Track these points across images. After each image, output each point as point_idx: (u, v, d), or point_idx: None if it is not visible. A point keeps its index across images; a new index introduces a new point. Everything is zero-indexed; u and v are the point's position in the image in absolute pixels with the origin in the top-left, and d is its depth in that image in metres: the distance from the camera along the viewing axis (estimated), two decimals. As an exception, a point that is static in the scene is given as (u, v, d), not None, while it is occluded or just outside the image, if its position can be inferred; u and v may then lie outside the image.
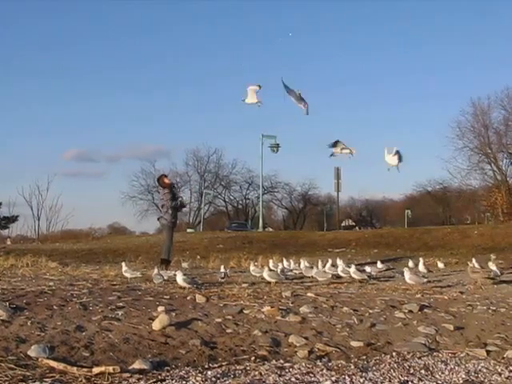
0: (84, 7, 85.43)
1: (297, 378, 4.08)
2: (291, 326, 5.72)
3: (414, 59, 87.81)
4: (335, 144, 12.05)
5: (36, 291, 7.22)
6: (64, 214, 51.90)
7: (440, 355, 4.91)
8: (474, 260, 11.63)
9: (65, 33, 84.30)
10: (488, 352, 4.99)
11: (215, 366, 4.38)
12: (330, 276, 9.82)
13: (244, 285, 8.65)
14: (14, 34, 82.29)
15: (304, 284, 9.27)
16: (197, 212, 64.33)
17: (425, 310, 6.64)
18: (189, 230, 43.94)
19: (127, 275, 9.24)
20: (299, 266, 11.08)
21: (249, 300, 6.98)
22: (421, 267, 11.13)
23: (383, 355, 4.88)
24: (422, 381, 4.13)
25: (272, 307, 6.36)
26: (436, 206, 63.09)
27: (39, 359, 4.27)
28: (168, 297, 7.15)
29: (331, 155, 12.01)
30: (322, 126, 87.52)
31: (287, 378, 4.07)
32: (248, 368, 4.32)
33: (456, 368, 4.47)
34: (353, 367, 4.42)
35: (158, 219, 12.62)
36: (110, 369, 4.05)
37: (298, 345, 5.09)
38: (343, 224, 65.44)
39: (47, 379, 3.90)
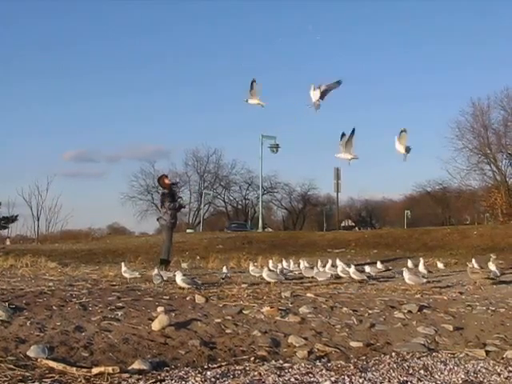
0: (84, 7, 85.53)
1: (296, 379, 4.08)
2: (291, 326, 5.73)
3: (413, 59, 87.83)
4: (348, 136, 11.82)
5: (35, 291, 7.22)
6: (63, 215, 51.76)
7: (439, 355, 4.91)
8: (473, 260, 11.63)
9: (65, 33, 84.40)
10: (487, 352, 4.99)
11: (214, 366, 4.38)
12: (330, 276, 9.82)
13: (243, 285, 8.65)
14: (13, 34, 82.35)
15: (303, 284, 9.27)
16: (196, 212, 64.36)
17: (424, 311, 6.64)
18: (188, 231, 43.93)
19: (126, 275, 9.23)
20: (298, 266, 11.09)
21: (248, 300, 6.98)
22: (421, 268, 11.13)
23: (382, 355, 4.88)
24: (421, 381, 4.13)
25: (271, 307, 6.36)
26: (435, 207, 63.09)
27: (38, 359, 4.27)
28: (167, 297, 7.15)
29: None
30: (322, 126, 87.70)
31: (286, 379, 4.07)
32: (247, 368, 4.32)
33: (455, 368, 4.47)
34: (352, 367, 4.42)
35: (158, 219, 12.62)
36: (110, 369, 4.05)
37: (297, 345, 5.10)
38: (343, 224, 65.44)
39: (46, 379, 3.90)
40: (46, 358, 4.29)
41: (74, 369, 4.09)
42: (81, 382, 3.91)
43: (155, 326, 5.29)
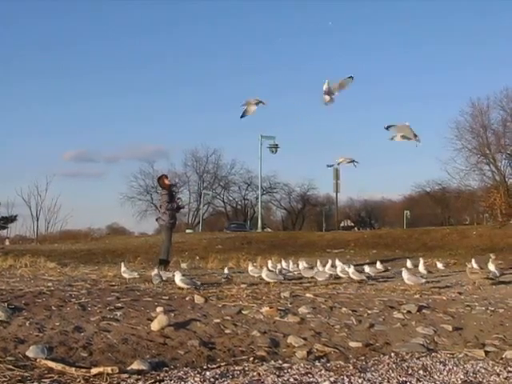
0: (84, 7, 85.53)
1: (295, 379, 4.08)
2: (290, 326, 5.72)
3: (413, 59, 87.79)
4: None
5: (34, 292, 7.21)
6: (63, 215, 51.72)
7: (438, 356, 4.91)
8: (473, 261, 11.64)
9: (65, 33, 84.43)
10: (486, 352, 4.99)
11: (214, 366, 4.38)
12: (328, 276, 9.83)
13: (243, 285, 8.64)
14: (13, 34, 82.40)
15: (303, 285, 9.27)
16: (196, 212, 64.37)
17: (423, 311, 6.64)
18: (188, 231, 43.96)
19: (125, 276, 9.23)
20: (298, 267, 11.09)
21: (247, 300, 6.98)
22: (421, 268, 11.14)
23: (382, 356, 4.88)
24: (420, 381, 4.13)
25: (271, 308, 6.36)
26: (435, 207, 63.11)
27: (37, 360, 4.27)
28: (167, 297, 7.15)
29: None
30: (322, 126, 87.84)
31: (286, 379, 4.07)
32: (247, 368, 4.32)
33: (454, 368, 4.47)
34: (351, 368, 4.42)
35: (157, 220, 12.63)
36: (109, 369, 4.05)
37: (296, 345, 5.09)
38: (342, 224, 65.48)
39: (45, 380, 3.90)
40: (45, 359, 4.28)
41: (73, 369, 4.09)
42: (80, 382, 3.91)
43: (154, 326, 5.29)
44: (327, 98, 10.90)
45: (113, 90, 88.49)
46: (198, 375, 4.09)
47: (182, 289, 7.86)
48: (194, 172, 65.94)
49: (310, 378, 4.12)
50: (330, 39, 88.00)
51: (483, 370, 4.44)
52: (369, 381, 4.10)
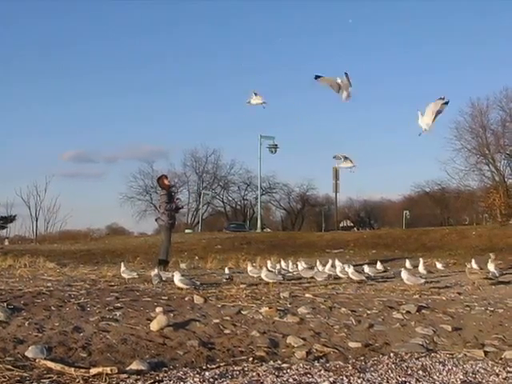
0: (84, 7, 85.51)
1: (295, 379, 4.08)
2: (289, 326, 5.72)
3: (413, 59, 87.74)
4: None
5: (34, 292, 7.21)
6: (62, 215, 51.73)
7: (438, 356, 4.91)
8: (473, 261, 11.65)
9: (65, 33, 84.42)
10: (486, 353, 4.99)
11: (213, 366, 4.38)
12: (327, 276, 9.84)
13: (242, 285, 8.64)
14: (13, 34, 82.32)
15: (302, 285, 9.27)
16: (195, 213, 64.40)
17: (423, 311, 6.64)
18: (187, 231, 43.95)
19: (125, 276, 9.23)
20: (297, 267, 11.08)
21: (247, 301, 6.98)
22: (421, 268, 11.15)
23: (381, 356, 4.88)
24: (419, 382, 4.13)
25: (270, 308, 6.36)
26: (434, 207, 63.11)
27: (37, 360, 4.27)
28: (166, 297, 7.14)
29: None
30: (321, 126, 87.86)
31: (285, 379, 4.07)
32: (246, 369, 4.32)
33: (454, 369, 4.47)
34: (351, 368, 4.42)
35: (156, 220, 12.64)
36: (108, 370, 4.05)
37: (295, 346, 5.09)
38: (341, 225, 65.50)
39: (45, 380, 3.90)
40: (45, 359, 4.28)
41: (73, 369, 4.09)
42: (79, 382, 3.91)
43: (154, 326, 5.28)
44: (345, 94, 10.98)
45: (112, 90, 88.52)
46: (197, 375, 4.09)
47: (182, 289, 7.86)
48: (194, 172, 66.04)
49: (309, 378, 4.12)
50: (330, 39, 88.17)
51: (482, 371, 4.44)
52: (368, 381, 4.09)
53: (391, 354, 4.94)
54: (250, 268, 10.24)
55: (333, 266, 10.57)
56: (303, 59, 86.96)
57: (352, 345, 5.18)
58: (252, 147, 57.31)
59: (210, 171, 66.36)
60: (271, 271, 9.77)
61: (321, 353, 4.92)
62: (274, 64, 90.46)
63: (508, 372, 4.39)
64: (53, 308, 6.07)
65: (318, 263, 11.26)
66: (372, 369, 4.42)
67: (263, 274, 9.13)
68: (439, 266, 12.89)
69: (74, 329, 5.18)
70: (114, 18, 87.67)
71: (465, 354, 4.95)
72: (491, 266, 10.46)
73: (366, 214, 76.55)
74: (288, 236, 28.46)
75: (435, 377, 4.25)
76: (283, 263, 11.70)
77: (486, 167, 47.49)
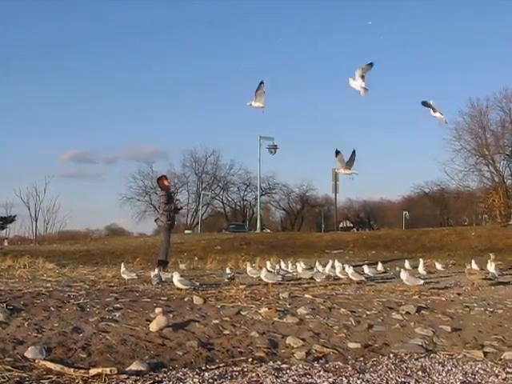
0: (84, 7, 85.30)
1: (294, 380, 4.08)
2: (289, 327, 5.72)
3: (414, 59, 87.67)
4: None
5: (33, 292, 7.21)
6: (62, 215, 51.69)
7: (437, 357, 4.91)
8: (473, 262, 11.65)
9: (65, 33, 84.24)
10: (485, 353, 5.00)
11: (212, 367, 4.38)
12: (325, 277, 9.85)
13: (242, 286, 8.64)
14: (13, 34, 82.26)
15: (301, 285, 9.26)
16: (194, 213, 64.34)
17: (422, 312, 6.64)
18: (186, 232, 43.93)
19: (125, 276, 9.23)
20: (296, 268, 11.08)
21: (246, 301, 6.98)
22: (420, 269, 11.15)
23: (380, 357, 4.88)
24: (419, 382, 4.13)
25: (269, 308, 6.36)
26: (434, 208, 63.09)
27: (36, 360, 4.27)
28: (165, 298, 7.14)
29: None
30: (321, 126, 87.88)
31: (284, 380, 4.07)
32: (245, 369, 4.32)
33: (453, 369, 4.47)
34: (350, 369, 4.42)
35: (155, 221, 12.64)
36: (107, 370, 4.05)
37: (295, 346, 5.09)
38: (341, 225, 65.50)
39: (44, 381, 3.90)
40: (44, 359, 4.28)
41: (72, 370, 4.09)
42: (78, 383, 3.91)
43: (153, 327, 5.28)
44: (362, 91, 11.03)
45: (112, 90, 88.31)
46: (196, 376, 4.09)
47: (181, 290, 7.86)
48: (193, 173, 65.95)
49: (308, 378, 4.12)
50: (330, 39, 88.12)
51: (482, 371, 4.44)
52: (367, 382, 4.10)
53: (391, 355, 4.94)
54: (249, 268, 10.24)
55: (333, 266, 10.57)
56: (303, 59, 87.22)
57: (351, 345, 5.18)
58: (251, 148, 57.26)
59: (210, 172, 66.36)
60: (271, 272, 9.76)
61: (320, 353, 4.92)
62: (274, 64, 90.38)
63: (507, 373, 4.39)
64: (52, 308, 6.07)
65: (317, 264, 11.26)
66: (371, 369, 4.42)
67: (263, 275, 9.13)
68: (439, 266, 12.88)
69: (73, 329, 5.18)
70: (114, 18, 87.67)
71: (464, 355, 4.95)
72: (491, 267, 10.45)
73: (365, 215, 76.55)
74: (287, 237, 28.46)
75: (435, 377, 4.25)
76: (283, 264, 11.69)
77: (486, 168, 47.46)
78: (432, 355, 4.96)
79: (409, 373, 4.36)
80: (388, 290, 8.69)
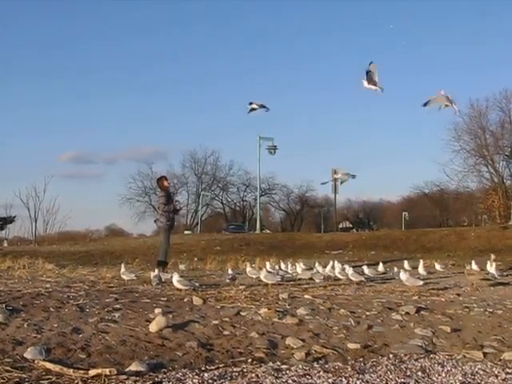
0: (84, 7, 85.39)
1: (294, 380, 4.08)
2: (288, 328, 5.72)
3: (414, 59, 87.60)
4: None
5: (33, 293, 7.21)
6: (61, 216, 51.76)
7: (437, 357, 4.91)
8: (473, 262, 11.64)
9: (65, 33, 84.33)
10: (485, 354, 4.99)
11: (212, 368, 4.38)
12: (323, 277, 9.86)
13: (241, 287, 8.64)
14: (13, 34, 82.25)
15: (301, 286, 9.26)
16: (194, 214, 64.34)
17: (422, 312, 6.64)
18: (186, 232, 43.94)
19: (124, 277, 9.23)
20: (296, 269, 11.08)
21: (246, 302, 6.98)
22: (420, 269, 11.16)
23: (380, 357, 4.88)
24: (418, 383, 4.13)
25: (269, 309, 6.36)
26: (433, 208, 63.10)
27: (35, 361, 4.27)
28: (165, 299, 7.14)
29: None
30: (320, 127, 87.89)
31: (284, 380, 4.07)
32: (245, 370, 4.32)
33: (453, 370, 4.47)
34: (350, 369, 4.42)
35: (155, 221, 12.63)
36: (107, 371, 4.04)
37: (294, 347, 5.09)
38: (340, 226, 65.48)
39: (43, 381, 3.89)
40: (43, 360, 4.28)
41: (71, 370, 4.08)
42: (78, 383, 3.91)
43: (153, 327, 5.28)
44: (373, 87, 11.05)
45: (112, 90, 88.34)
46: (196, 377, 4.08)
47: (181, 290, 7.86)
48: (193, 173, 65.98)
49: (308, 379, 4.12)
50: (330, 39, 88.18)
51: (481, 372, 4.44)
52: (367, 382, 4.10)
53: (390, 356, 4.94)
54: (248, 269, 10.24)
55: (333, 267, 10.57)
56: (303, 59, 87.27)
57: (351, 346, 5.18)
58: (251, 148, 57.21)
59: (209, 172, 66.39)
60: (270, 272, 9.76)
61: (320, 354, 4.92)
62: (274, 64, 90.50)
63: (507, 373, 4.39)
64: (52, 309, 6.07)
65: (316, 264, 11.26)
66: (371, 370, 4.42)
67: (262, 275, 9.13)
68: (438, 267, 12.89)
69: (72, 330, 5.18)
70: (114, 18, 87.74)
71: (464, 356, 4.95)
72: (492, 268, 10.44)
73: (364, 215, 76.57)
74: (287, 237, 28.45)
75: (434, 378, 4.25)
76: (282, 264, 11.69)
77: (485, 168, 47.54)
78: (431, 356, 4.95)
79: (408, 373, 4.36)
80: (387, 291, 8.69)
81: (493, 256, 14.31)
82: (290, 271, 10.99)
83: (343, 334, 5.59)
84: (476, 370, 4.50)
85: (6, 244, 34.78)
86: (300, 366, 4.47)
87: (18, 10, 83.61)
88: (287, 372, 4.30)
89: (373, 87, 11.49)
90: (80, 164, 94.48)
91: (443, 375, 4.32)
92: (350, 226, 69.75)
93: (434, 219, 61.29)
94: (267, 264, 11.42)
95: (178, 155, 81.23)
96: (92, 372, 4.05)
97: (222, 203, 68.25)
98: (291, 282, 9.74)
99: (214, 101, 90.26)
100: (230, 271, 10.11)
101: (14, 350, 4.55)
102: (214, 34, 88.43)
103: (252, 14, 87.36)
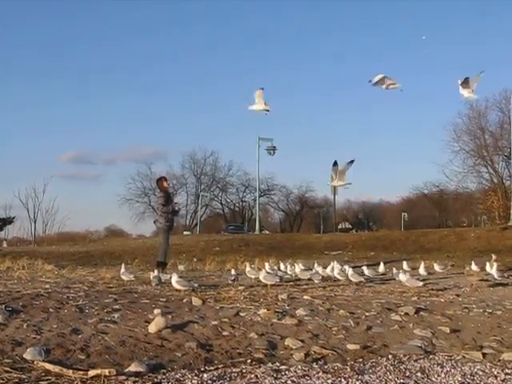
0: (84, 7, 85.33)
1: (293, 381, 4.08)
2: (287, 328, 5.72)
3: (413, 59, 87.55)
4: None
5: (32, 294, 7.21)
6: (61, 217, 51.78)
7: (436, 358, 4.91)
8: (473, 263, 11.64)
9: (65, 33, 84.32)
10: (484, 355, 4.99)
11: (211, 368, 4.38)
12: (321, 277, 9.88)
13: (240, 287, 8.64)
14: (13, 34, 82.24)
15: (300, 287, 9.27)
16: (193, 214, 64.36)
17: (421, 313, 6.65)
18: (185, 233, 43.95)
19: (124, 277, 9.23)
20: (295, 270, 11.08)
21: (245, 302, 6.98)
22: (421, 270, 11.17)
23: (379, 358, 4.87)
24: (418, 383, 4.13)
25: (268, 310, 6.36)
26: (432, 209, 63.12)
27: (35, 362, 4.26)
28: (164, 299, 7.15)
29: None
30: (320, 127, 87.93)
31: (283, 381, 4.07)
32: (244, 371, 4.32)
33: (452, 371, 4.47)
34: (349, 370, 4.42)
35: (154, 222, 12.63)
36: (106, 371, 4.04)
37: (294, 347, 5.09)
38: (340, 226, 65.46)
39: (43, 382, 3.89)
40: (43, 361, 4.28)
41: (71, 371, 4.08)
42: (77, 384, 3.91)
43: (152, 328, 5.28)
44: (399, 85, 11.10)
45: (112, 90, 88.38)
46: (195, 377, 4.08)
47: (180, 291, 7.86)
48: (192, 174, 65.98)
49: (307, 380, 4.12)
50: (330, 39, 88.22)
51: (481, 372, 4.44)
52: (366, 383, 4.10)
53: (389, 356, 4.93)
54: (248, 269, 10.25)
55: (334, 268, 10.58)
56: (303, 59, 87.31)
57: (350, 347, 5.18)
58: (250, 149, 57.29)
59: (209, 173, 66.40)
60: (270, 273, 9.76)
61: (319, 355, 4.92)
62: (274, 64, 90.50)
63: (506, 374, 4.39)
64: (51, 310, 6.07)
65: (316, 265, 11.26)
66: (370, 371, 4.42)
67: (261, 276, 9.13)
68: (437, 268, 12.88)
69: (72, 331, 5.18)
70: (114, 18, 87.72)
71: (463, 356, 4.95)
72: (493, 268, 10.42)
73: (364, 216, 76.61)
74: (286, 238, 28.45)
75: (433, 379, 4.25)
76: (282, 265, 11.69)
77: (485, 169, 47.59)
78: (431, 356, 4.95)
79: (408, 374, 4.36)
80: (387, 292, 8.70)
81: (494, 257, 14.32)
82: (289, 272, 10.99)
83: (342, 334, 5.59)
84: (475, 370, 4.50)
85: (5, 245, 34.75)
86: (299, 367, 4.47)
87: (18, 10, 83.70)
88: (286, 373, 4.29)
89: (391, 85, 11.57)
90: (79, 164, 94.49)
91: (442, 376, 4.32)
92: (350, 226, 69.75)
93: (434, 220, 61.32)
94: (266, 265, 11.42)
95: (177, 156, 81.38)
96: (91, 373, 4.05)
97: (221, 204, 68.32)
98: (290, 283, 9.74)
99: (213, 101, 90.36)
100: (232, 272, 10.12)
101: (13, 350, 4.55)
102: (214, 34, 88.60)
103: (252, 13, 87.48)
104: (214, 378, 4.07)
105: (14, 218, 46.79)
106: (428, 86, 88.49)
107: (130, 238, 49.08)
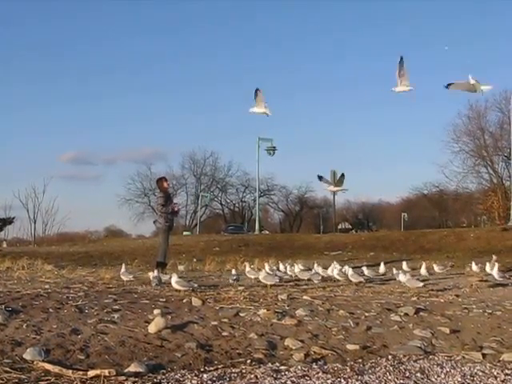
0: (84, 7, 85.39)
1: (292, 381, 4.08)
2: (287, 328, 5.72)
3: (413, 59, 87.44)
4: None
5: (32, 294, 7.21)
6: (60, 217, 51.72)
7: (436, 358, 4.91)
8: (473, 263, 11.64)
9: (65, 33, 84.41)
10: (484, 355, 4.99)
11: (211, 369, 4.38)
12: (321, 278, 9.88)
13: (240, 288, 8.64)
14: (14, 34, 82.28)
15: (300, 287, 9.27)
16: (193, 215, 64.41)
17: (421, 313, 6.64)
18: (185, 233, 43.94)
19: (123, 278, 9.23)
20: (294, 270, 11.08)
21: (245, 303, 6.97)
22: (423, 270, 11.17)
23: (379, 358, 4.87)
24: (417, 384, 4.13)
25: (268, 310, 6.36)
26: (432, 209, 63.14)
27: (34, 362, 4.26)
28: (164, 300, 7.14)
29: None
30: (320, 127, 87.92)
31: (283, 381, 4.07)
32: (244, 371, 4.32)
33: (452, 371, 4.47)
34: (349, 370, 4.42)
35: (154, 222, 12.64)
36: (106, 372, 4.04)
37: (293, 348, 5.09)
38: (340, 227, 65.48)
39: (42, 382, 3.89)
40: (42, 361, 4.28)
41: (70, 371, 4.08)
42: (77, 384, 3.91)
43: (151, 328, 5.28)
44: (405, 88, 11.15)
45: (112, 90, 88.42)
46: (195, 378, 4.08)
47: (180, 291, 7.86)
48: (192, 174, 66.01)
49: (307, 380, 4.12)
50: (330, 39, 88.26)
51: (481, 373, 4.44)
52: (366, 383, 4.10)
53: (389, 357, 4.93)
54: (247, 269, 10.24)
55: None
56: (303, 59, 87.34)
57: (350, 347, 5.18)
58: (250, 149, 57.25)
59: (208, 173, 66.44)
60: (269, 273, 9.76)
61: (319, 355, 4.92)
62: (274, 64, 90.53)
63: (506, 374, 4.39)
64: (51, 310, 6.07)
65: (315, 265, 11.26)
66: (370, 371, 4.42)
67: (261, 276, 9.13)
68: (437, 268, 12.88)
69: (71, 331, 5.18)
70: (113, 18, 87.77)
71: (463, 357, 4.95)
72: (494, 269, 10.41)
73: (364, 216, 76.61)
74: (286, 238, 28.44)
75: (433, 379, 4.25)
76: (281, 266, 11.69)
77: (484, 169, 47.65)
78: (431, 357, 4.95)
79: (407, 374, 4.36)
80: (386, 292, 8.70)
81: (494, 257, 14.32)
82: (288, 272, 10.99)
83: (342, 334, 5.59)
84: (475, 371, 4.50)
85: (5, 245, 34.76)
86: (299, 367, 4.47)
87: (18, 10, 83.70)
88: (286, 373, 4.30)
89: (405, 88, 11.62)
90: (79, 165, 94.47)
91: (442, 376, 4.32)
92: (349, 226, 69.78)
93: (433, 220, 61.33)
94: (266, 265, 11.42)
95: (177, 156, 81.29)
96: (91, 373, 4.05)
97: (221, 204, 68.35)
98: (290, 283, 9.74)
99: (213, 101, 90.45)
100: (233, 272, 10.11)
101: (13, 350, 4.54)
102: (213, 35, 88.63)
103: (252, 14, 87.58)
104: (214, 379, 4.07)
105: (13, 218, 46.67)
106: (428, 86, 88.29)
107: (129, 238, 49.03)
